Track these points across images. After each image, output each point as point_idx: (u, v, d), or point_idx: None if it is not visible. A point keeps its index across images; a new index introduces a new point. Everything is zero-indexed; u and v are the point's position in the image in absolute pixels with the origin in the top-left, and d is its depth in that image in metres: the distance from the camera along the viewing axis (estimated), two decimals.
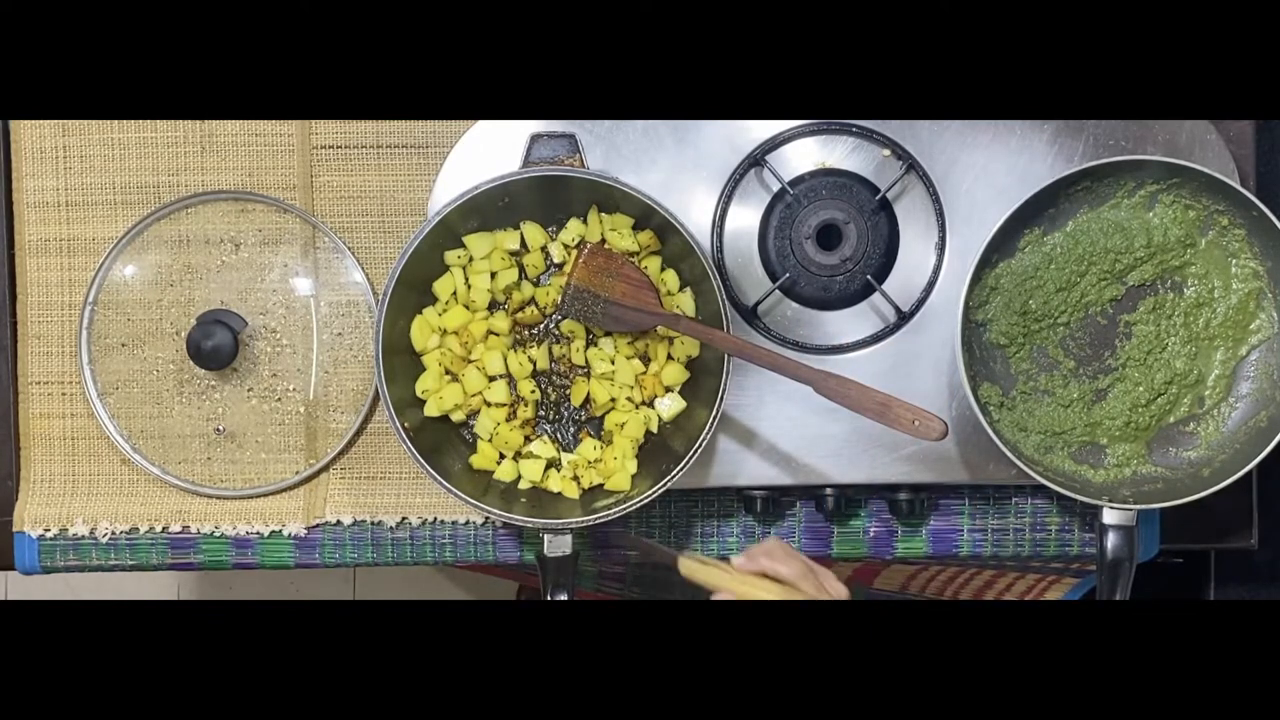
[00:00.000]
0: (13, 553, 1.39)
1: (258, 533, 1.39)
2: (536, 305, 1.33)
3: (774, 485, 1.34)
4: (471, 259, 1.31)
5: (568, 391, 1.33)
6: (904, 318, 1.34)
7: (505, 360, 1.31)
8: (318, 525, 1.39)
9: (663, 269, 1.32)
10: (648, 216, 1.29)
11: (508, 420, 1.32)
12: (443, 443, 1.31)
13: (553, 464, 1.33)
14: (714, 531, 1.40)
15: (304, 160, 1.38)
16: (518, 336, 1.33)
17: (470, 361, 1.31)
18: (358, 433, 1.39)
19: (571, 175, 1.29)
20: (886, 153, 1.34)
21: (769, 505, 1.35)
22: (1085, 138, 1.33)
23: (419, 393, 1.31)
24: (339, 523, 1.39)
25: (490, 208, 1.30)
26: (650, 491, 1.26)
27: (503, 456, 1.32)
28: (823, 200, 1.33)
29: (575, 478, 1.32)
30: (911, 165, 1.33)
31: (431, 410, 1.31)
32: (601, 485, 1.31)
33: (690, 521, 1.40)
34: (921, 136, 1.33)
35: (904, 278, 1.34)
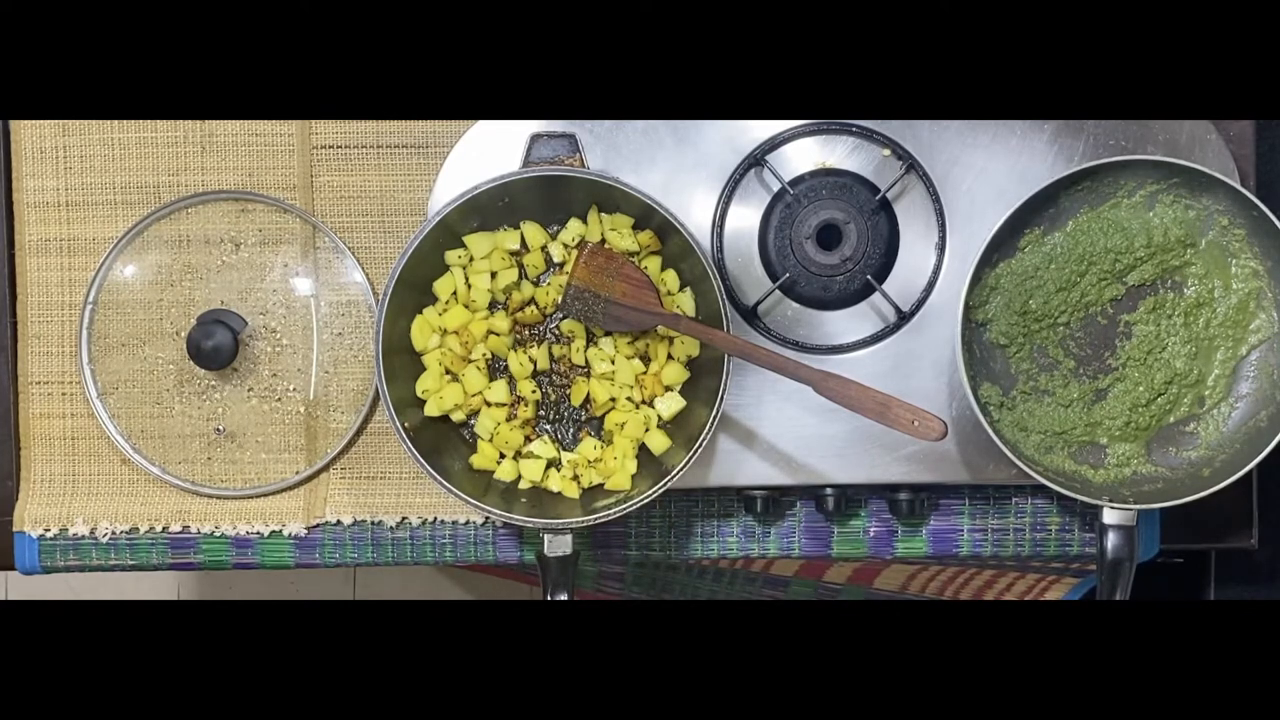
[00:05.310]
0: (13, 553, 1.39)
1: (258, 533, 1.39)
2: (536, 305, 1.32)
3: (774, 485, 1.34)
4: (472, 259, 1.31)
5: (568, 391, 1.33)
6: (904, 318, 1.34)
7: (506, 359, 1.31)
8: (318, 525, 1.39)
9: (663, 269, 1.32)
10: (648, 216, 1.29)
11: (508, 420, 1.32)
12: (443, 443, 1.31)
13: (553, 464, 1.32)
14: (714, 531, 1.40)
15: (304, 160, 1.38)
16: (518, 336, 1.33)
17: (470, 361, 1.31)
18: (358, 433, 1.39)
19: (571, 175, 1.29)
20: (886, 153, 1.34)
21: (769, 505, 1.35)
22: (1085, 138, 1.33)
23: (419, 393, 1.31)
24: (339, 523, 1.39)
25: (490, 208, 1.30)
26: (650, 491, 1.26)
27: (503, 456, 1.32)
28: (823, 200, 1.33)
29: (575, 477, 1.32)
30: (911, 165, 1.33)
31: (431, 410, 1.31)
32: (601, 485, 1.31)
33: (690, 521, 1.40)
34: (921, 136, 1.33)
35: (904, 278, 1.34)
